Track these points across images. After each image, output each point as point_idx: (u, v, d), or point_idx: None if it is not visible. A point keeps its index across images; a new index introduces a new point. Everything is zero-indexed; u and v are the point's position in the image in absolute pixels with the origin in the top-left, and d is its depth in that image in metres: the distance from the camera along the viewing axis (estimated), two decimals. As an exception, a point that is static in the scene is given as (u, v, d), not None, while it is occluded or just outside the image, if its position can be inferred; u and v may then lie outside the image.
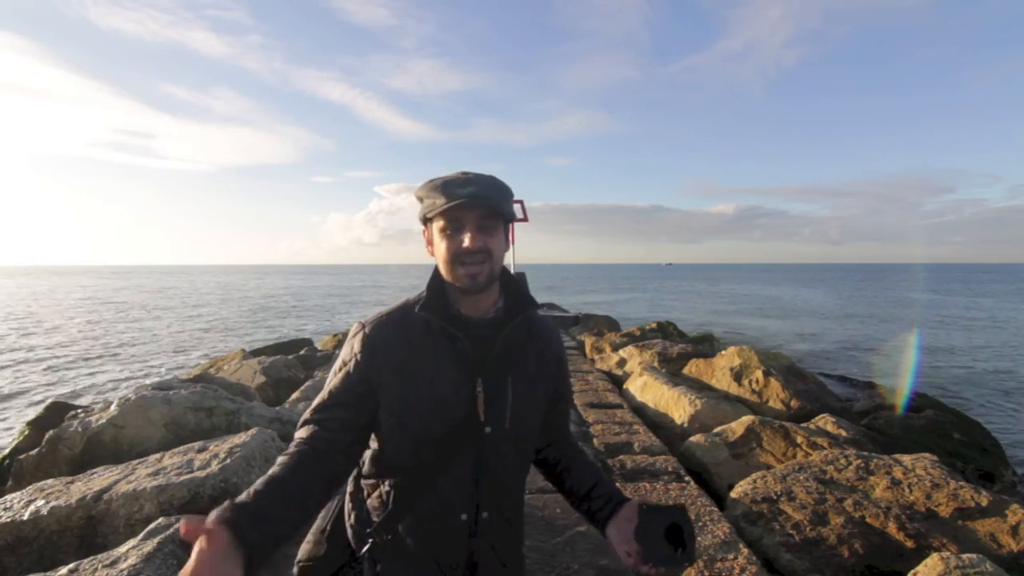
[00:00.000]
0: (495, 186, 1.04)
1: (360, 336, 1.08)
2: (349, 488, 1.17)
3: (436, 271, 1.11)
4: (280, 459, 1.01)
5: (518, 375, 1.11)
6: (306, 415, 1.08)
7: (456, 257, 1.03)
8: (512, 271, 1.12)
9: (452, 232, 1.03)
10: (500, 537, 1.12)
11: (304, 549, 1.16)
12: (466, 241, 1.01)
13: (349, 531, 1.14)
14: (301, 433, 1.05)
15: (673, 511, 1.05)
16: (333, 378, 1.09)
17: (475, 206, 1.01)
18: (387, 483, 1.09)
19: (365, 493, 1.12)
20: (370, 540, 1.08)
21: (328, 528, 1.15)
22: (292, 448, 1.02)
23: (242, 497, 0.89)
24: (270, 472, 0.99)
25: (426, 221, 1.09)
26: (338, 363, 1.11)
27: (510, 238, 1.16)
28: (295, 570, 1.14)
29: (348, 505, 1.16)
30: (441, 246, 1.04)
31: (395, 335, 1.07)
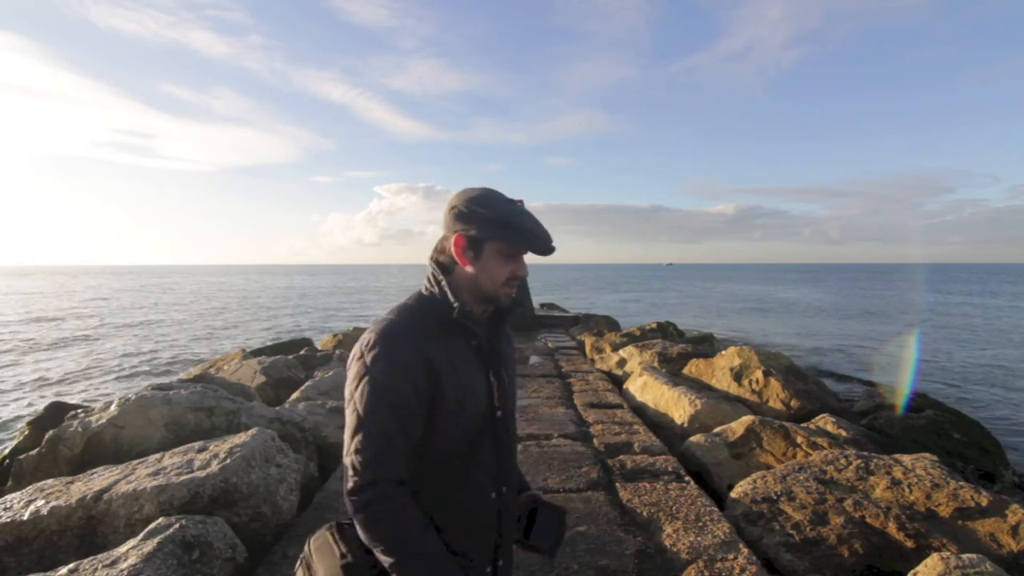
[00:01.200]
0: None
1: (397, 346, 1.05)
2: None
3: (453, 277, 1.17)
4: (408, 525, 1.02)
5: (506, 365, 1.26)
6: (376, 451, 1.01)
7: (509, 281, 1.16)
8: None
9: (510, 258, 1.15)
10: (514, 508, 1.26)
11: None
12: (520, 271, 1.16)
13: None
14: (386, 474, 1.01)
15: (552, 510, 1.29)
16: (386, 396, 1.02)
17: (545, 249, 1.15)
18: (426, 483, 1.11)
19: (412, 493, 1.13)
20: None
21: (347, 552, 1.09)
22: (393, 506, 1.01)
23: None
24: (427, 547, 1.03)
25: (481, 237, 1.12)
26: (379, 379, 1.03)
27: None
28: None
29: None
30: (501, 268, 1.14)
31: (426, 339, 1.10)
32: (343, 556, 1.08)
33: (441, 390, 1.07)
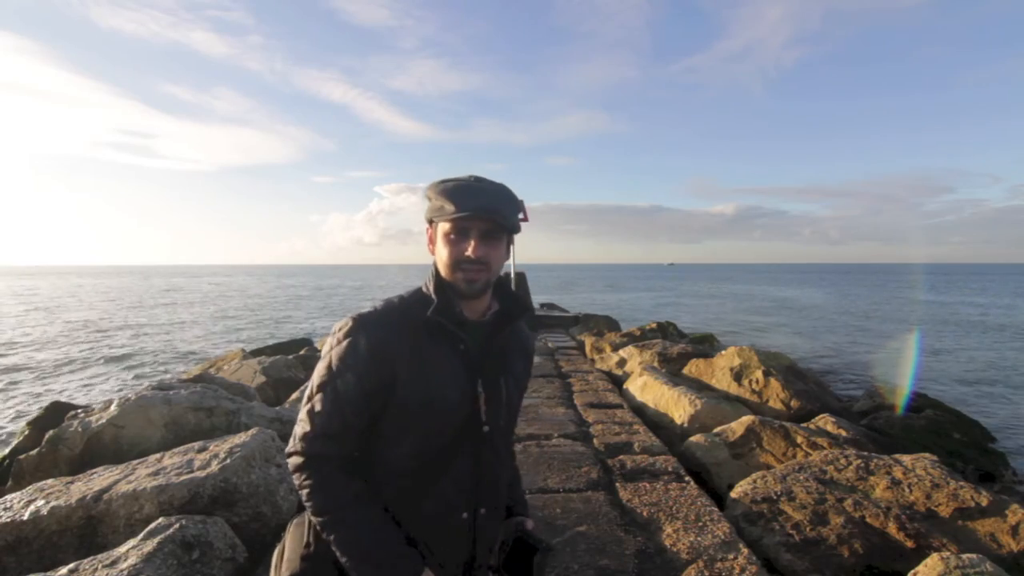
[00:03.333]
0: (505, 198, 1.05)
1: (363, 334, 1.03)
2: None
3: (438, 273, 1.10)
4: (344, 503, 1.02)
5: (509, 375, 1.16)
6: (313, 428, 1.03)
7: (457, 264, 1.05)
8: (512, 272, 1.16)
9: (457, 238, 1.05)
10: (493, 531, 1.17)
11: (286, 564, 1.09)
12: (469, 250, 1.04)
13: None
14: (318, 450, 1.03)
15: (534, 550, 1.18)
16: (335, 379, 1.03)
17: (482, 219, 1.03)
18: (388, 488, 1.07)
19: None
20: None
21: (309, 539, 1.08)
22: (324, 476, 1.03)
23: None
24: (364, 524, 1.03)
25: (431, 221, 1.09)
26: (334, 361, 1.03)
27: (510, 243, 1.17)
28: None
29: None
30: (444, 251, 1.06)
31: (398, 335, 1.05)
32: (307, 546, 1.08)
33: (396, 389, 1.03)
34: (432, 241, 1.11)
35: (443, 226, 1.05)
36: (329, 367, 1.04)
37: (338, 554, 1.01)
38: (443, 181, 1.06)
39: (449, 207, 1.01)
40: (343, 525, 1.01)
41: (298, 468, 1.04)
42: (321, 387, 1.04)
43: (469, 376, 1.08)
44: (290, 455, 1.06)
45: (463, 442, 1.08)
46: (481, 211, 1.01)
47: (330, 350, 1.05)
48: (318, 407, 1.04)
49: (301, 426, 1.06)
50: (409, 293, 1.13)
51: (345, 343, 1.03)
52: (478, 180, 1.05)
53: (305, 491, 1.03)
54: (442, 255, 1.07)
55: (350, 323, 1.05)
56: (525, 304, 1.19)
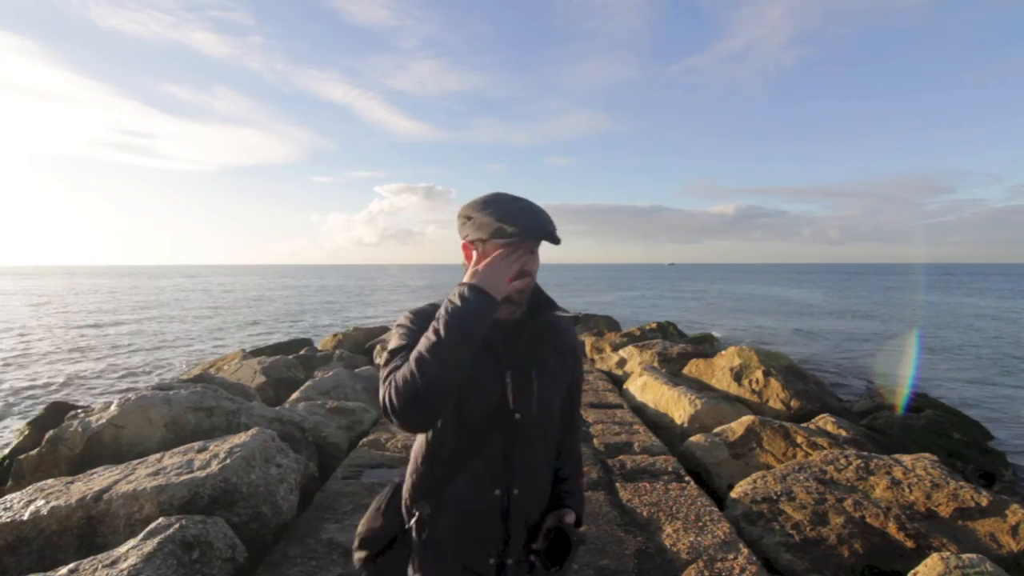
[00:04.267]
0: (551, 220, 1.19)
1: (418, 317, 1.21)
2: (408, 467, 1.30)
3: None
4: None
5: (541, 368, 1.26)
6: (395, 362, 1.14)
7: (518, 279, 1.19)
8: None
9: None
10: (531, 514, 1.27)
11: (363, 523, 1.34)
12: (528, 266, 1.18)
13: (403, 505, 1.28)
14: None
15: (569, 543, 1.25)
16: (402, 341, 1.17)
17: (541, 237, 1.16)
18: (433, 462, 1.23)
19: (418, 470, 1.26)
20: (417, 512, 1.24)
21: (383, 505, 1.33)
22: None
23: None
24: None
25: (480, 240, 1.19)
26: (400, 333, 1.21)
27: None
28: (355, 542, 1.32)
29: (406, 480, 1.30)
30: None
31: None
32: (378, 508, 1.33)
33: None
34: (470, 256, 1.22)
35: (501, 245, 1.16)
36: (399, 336, 1.21)
37: (438, 338, 1.08)
38: (489, 202, 1.18)
39: (523, 232, 1.13)
40: (421, 346, 1.09)
41: (387, 389, 1.10)
42: (394, 350, 1.18)
43: (497, 368, 1.21)
44: (384, 408, 1.11)
45: (495, 428, 1.20)
46: (543, 232, 1.14)
47: (396, 328, 1.24)
48: (395, 362, 1.15)
49: (384, 382, 1.13)
50: (443, 297, 1.28)
51: (405, 321, 1.23)
52: (516, 199, 1.18)
53: (400, 379, 1.08)
54: None
55: (410, 311, 1.26)
56: (549, 300, 1.31)
